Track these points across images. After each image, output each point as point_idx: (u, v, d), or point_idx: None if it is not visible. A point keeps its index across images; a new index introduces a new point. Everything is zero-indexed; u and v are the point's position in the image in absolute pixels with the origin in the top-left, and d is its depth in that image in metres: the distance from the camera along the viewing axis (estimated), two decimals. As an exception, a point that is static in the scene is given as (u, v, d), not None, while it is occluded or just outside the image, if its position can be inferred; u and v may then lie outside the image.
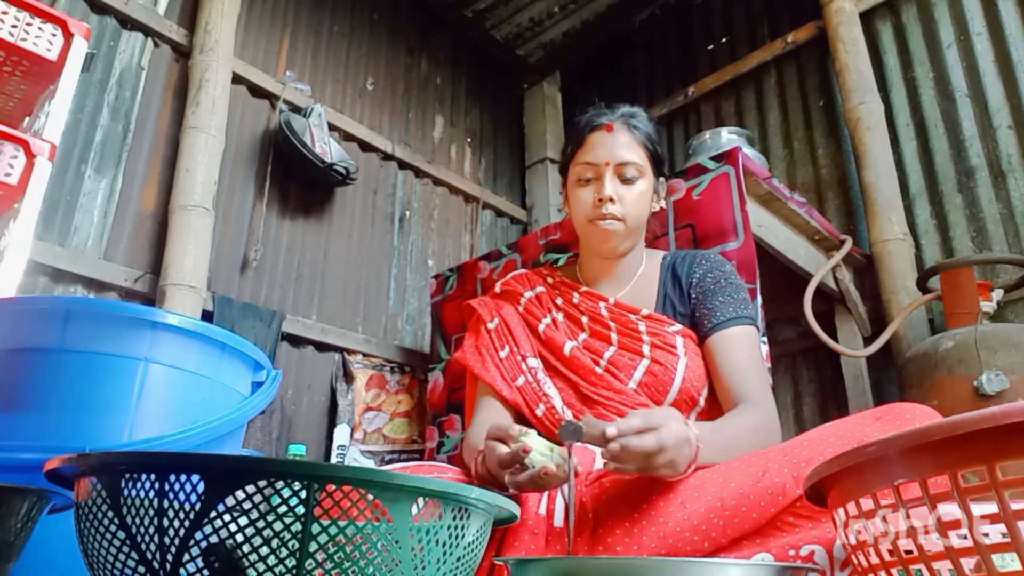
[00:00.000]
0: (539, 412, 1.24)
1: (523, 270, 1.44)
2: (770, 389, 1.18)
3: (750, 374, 1.16)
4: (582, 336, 1.28)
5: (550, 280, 1.38)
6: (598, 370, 1.23)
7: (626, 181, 1.24)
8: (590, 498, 0.99)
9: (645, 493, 0.96)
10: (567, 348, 1.26)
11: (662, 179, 1.32)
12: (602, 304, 1.29)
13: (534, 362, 1.29)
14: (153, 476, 0.56)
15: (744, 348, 1.19)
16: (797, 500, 0.89)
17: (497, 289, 1.41)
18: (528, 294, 1.36)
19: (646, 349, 1.22)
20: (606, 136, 1.25)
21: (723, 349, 1.19)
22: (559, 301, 1.33)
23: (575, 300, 1.32)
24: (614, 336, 1.25)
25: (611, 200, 1.22)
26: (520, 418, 1.28)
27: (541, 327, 1.31)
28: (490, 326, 1.34)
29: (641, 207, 1.26)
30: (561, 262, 1.53)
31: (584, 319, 1.29)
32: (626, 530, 0.93)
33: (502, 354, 1.30)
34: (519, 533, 0.97)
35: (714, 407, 1.22)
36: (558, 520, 0.98)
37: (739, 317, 1.22)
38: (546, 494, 1.01)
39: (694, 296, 1.27)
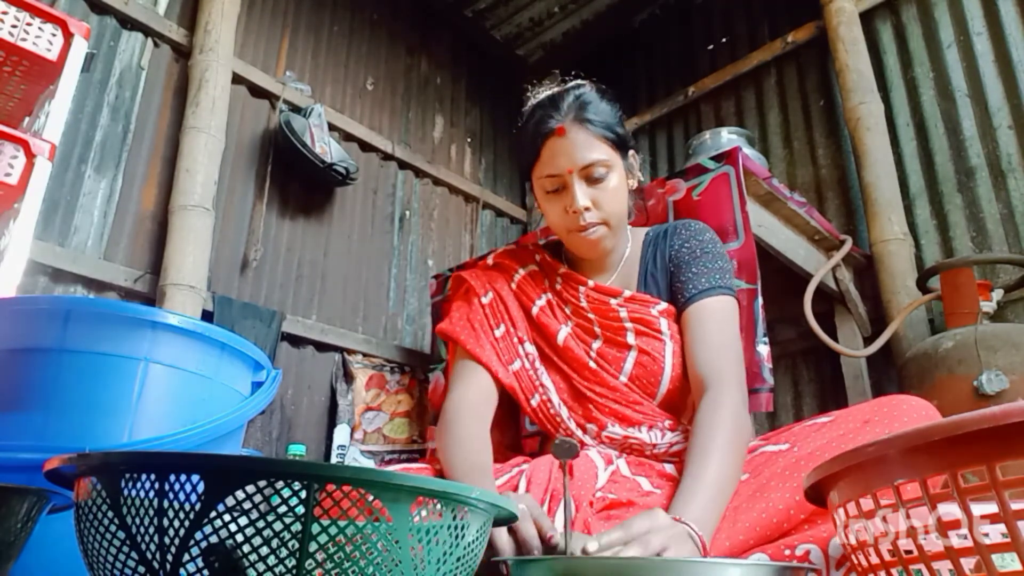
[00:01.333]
0: (534, 403, 1.20)
1: (512, 246, 1.36)
2: (739, 363, 1.11)
3: (717, 351, 1.09)
4: (571, 323, 1.23)
5: (538, 258, 1.31)
6: (591, 364, 1.18)
7: (596, 181, 1.14)
8: (595, 526, 0.96)
9: None
10: (561, 336, 1.21)
11: (632, 153, 1.23)
12: (581, 290, 1.22)
13: (531, 348, 1.22)
14: (153, 476, 0.56)
15: (716, 321, 1.13)
16: (804, 522, 0.88)
17: (490, 262, 1.32)
18: (522, 271, 1.29)
19: (631, 338, 1.18)
20: (560, 142, 1.14)
21: (693, 323, 1.14)
22: (547, 283, 1.28)
23: (557, 287, 1.26)
24: (597, 329, 1.20)
25: (587, 209, 1.14)
26: (510, 401, 1.23)
27: (535, 310, 1.24)
28: (484, 300, 1.24)
29: (619, 201, 1.18)
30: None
31: (568, 309, 1.24)
32: None
33: (498, 333, 1.22)
34: None
35: None
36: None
37: (713, 288, 1.15)
38: (544, 510, 0.99)
39: (672, 269, 1.21)
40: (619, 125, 1.20)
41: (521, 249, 1.34)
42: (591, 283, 1.23)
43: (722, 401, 1.02)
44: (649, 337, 1.17)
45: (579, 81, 1.24)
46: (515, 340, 1.22)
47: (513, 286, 1.27)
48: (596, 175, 1.14)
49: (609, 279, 1.26)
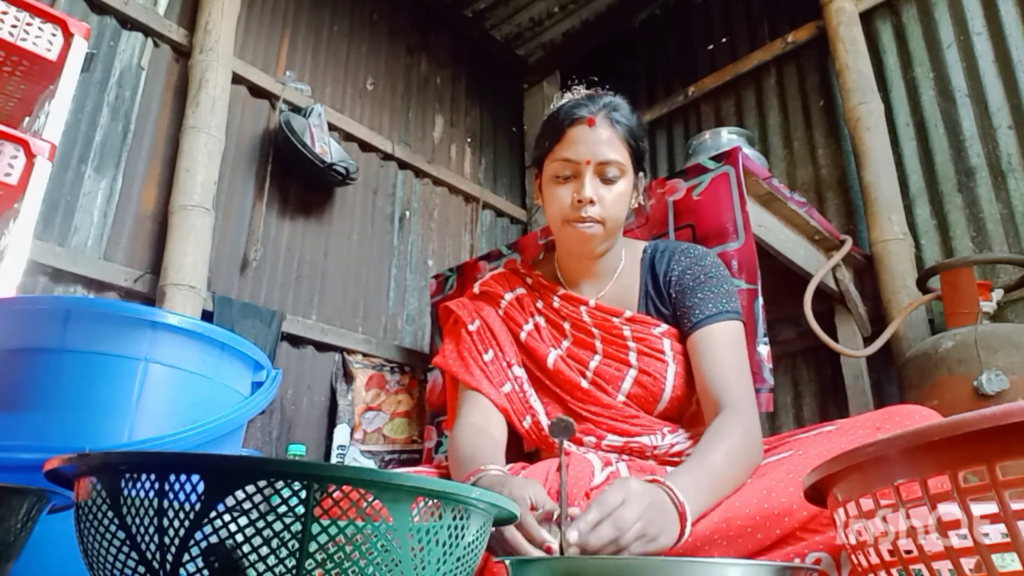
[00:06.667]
0: (526, 424, 1.20)
1: (501, 269, 1.37)
2: (751, 388, 1.12)
3: (731, 375, 1.09)
4: (565, 344, 1.22)
5: (529, 281, 1.31)
6: (584, 384, 1.18)
7: (607, 181, 1.16)
8: None
9: None
10: (551, 359, 1.20)
11: (642, 174, 1.24)
12: (583, 308, 1.23)
13: (519, 371, 1.23)
14: (153, 476, 0.56)
15: (725, 346, 1.13)
16: (808, 520, 0.87)
17: (476, 290, 1.33)
18: (508, 296, 1.29)
19: (632, 357, 1.17)
20: (587, 131, 1.16)
21: (703, 348, 1.13)
22: (540, 305, 1.27)
23: (555, 305, 1.25)
24: (598, 344, 1.20)
25: (591, 202, 1.14)
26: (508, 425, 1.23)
27: (523, 335, 1.24)
28: (471, 328, 1.26)
29: (621, 208, 1.18)
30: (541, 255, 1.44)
31: (566, 325, 1.23)
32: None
33: (486, 357, 1.23)
34: None
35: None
36: None
37: (720, 313, 1.15)
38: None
39: (673, 295, 1.21)
40: (641, 139, 1.22)
41: (509, 273, 1.34)
42: (592, 303, 1.23)
43: (736, 419, 1.03)
44: (651, 358, 1.17)
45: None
46: (504, 364, 1.23)
47: (500, 312, 1.28)
48: (609, 175, 1.16)
49: (602, 290, 1.25)
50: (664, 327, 1.20)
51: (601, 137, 1.16)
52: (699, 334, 1.15)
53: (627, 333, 1.19)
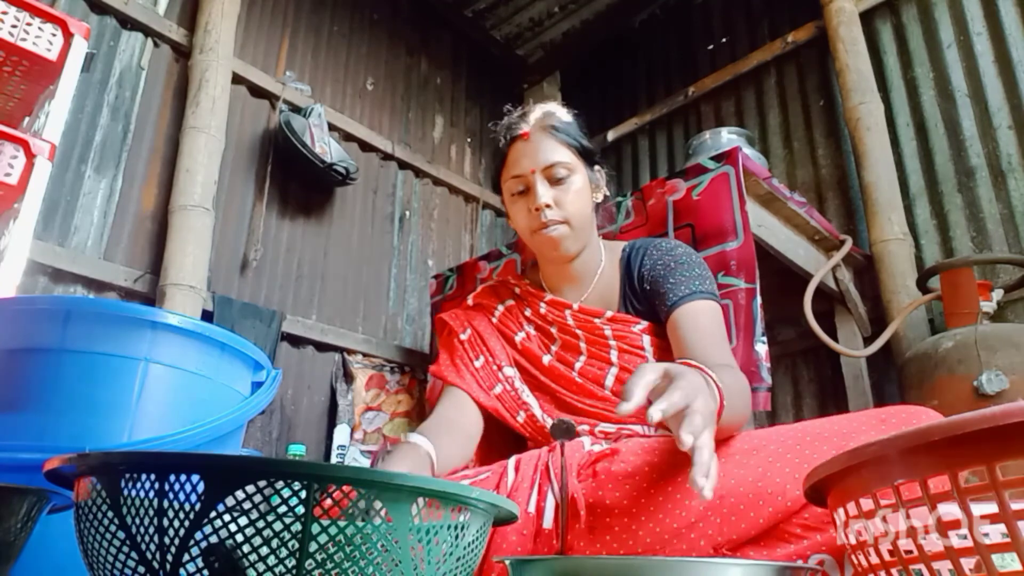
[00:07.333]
0: (520, 419, 1.25)
1: (492, 282, 1.43)
2: (732, 357, 1.13)
3: (711, 342, 1.11)
4: (554, 348, 1.28)
5: (518, 291, 1.36)
6: (577, 379, 1.23)
7: (558, 182, 1.20)
8: (585, 492, 0.98)
9: (642, 487, 0.95)
10: (545, 360, 1.26)
11: (597, 167, 1.28)
12: (567, 312, 1.27)
13: (510, 371, 1.28)
14: (153, 476, 0.56)
15: (703, 318, 1.14)
16: (803, 509, 0.87)
17: (469, 302, 1.41)
18: (501, 307, 1.36)
19: (614, 356, 1.22)
20: (525, 145, 1.22)
21: (682, 323, 1.14)
22: (528, 313, 1.32)
23: (542, 311, 1.30)
24: (583, 345, 1.25)
25: (548, 206, 1.19)
26: (495, 422, 1.27)
27: (518, 339, 1.31)
28: (463, 337, 1.33)
29: (581, 203, 1.22)
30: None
31: (554, 330, 1.29)
32: (623, 526, 0.93)
33: (477, 363, 1.30)
34: (506, 532, 0.97)
35: None
36: (547, 521, 0.97)
37: (695, 292, 1.17)
38: (536, 491, 1.00)
39: (648, 288, 1.23)
40: (584, 138, 1.26)
41: (500, 284, 1.40)
42: (576, 306, 1.27)
43: (729, 368, 1.04)
44: (631, 354, 1.22)
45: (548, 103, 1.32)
46: (494, 368, 1.29)
47: (495, 320, 1.35)
48: (558, 175, 1.21)
49: (584, 293, 1.29)
50: (643, 324, 1.23)
51: (540, 145, 1.22)
52: (677, 313, 1.16)
53: (608, 332, 1.24)
